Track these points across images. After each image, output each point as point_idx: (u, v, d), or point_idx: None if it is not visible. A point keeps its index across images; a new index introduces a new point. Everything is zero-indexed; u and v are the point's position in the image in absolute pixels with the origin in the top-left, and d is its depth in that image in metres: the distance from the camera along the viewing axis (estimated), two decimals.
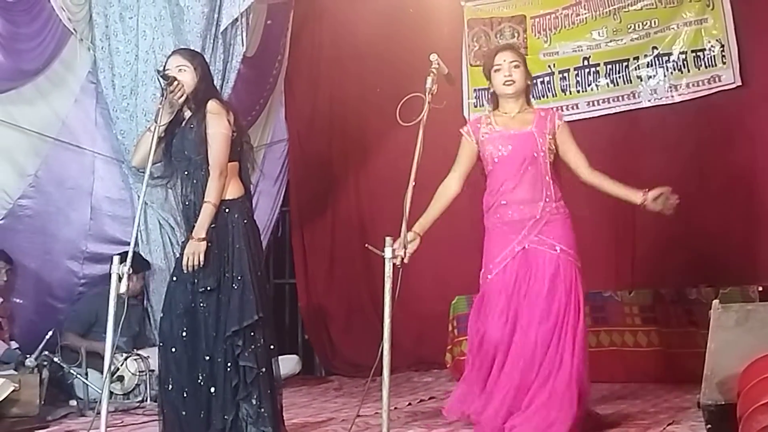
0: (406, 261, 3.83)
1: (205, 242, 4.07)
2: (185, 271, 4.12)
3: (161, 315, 4.37)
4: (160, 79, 4.24)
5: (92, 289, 6.53)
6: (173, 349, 4.19)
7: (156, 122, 4.13)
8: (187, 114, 4.30)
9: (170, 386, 4.19)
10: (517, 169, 4.41)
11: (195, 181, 4.20)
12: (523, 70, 4.52)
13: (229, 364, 4.13)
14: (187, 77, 4.26)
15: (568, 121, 4.64)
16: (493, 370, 4.31)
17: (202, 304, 4.16)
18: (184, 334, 4.17)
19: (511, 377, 4.25)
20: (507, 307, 4.32)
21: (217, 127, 4.17)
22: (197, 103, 4.26)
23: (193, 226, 4.14)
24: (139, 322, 6.60)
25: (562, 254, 4.33)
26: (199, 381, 4.15)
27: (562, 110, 6.42)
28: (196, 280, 4.15)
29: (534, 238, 4.35)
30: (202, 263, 4.07)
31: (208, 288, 4.13)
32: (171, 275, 4.39)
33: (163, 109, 4.15)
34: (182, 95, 4.22)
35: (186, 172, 4.26)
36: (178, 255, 4.32)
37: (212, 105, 4.21)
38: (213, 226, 4.13)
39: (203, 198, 4.13)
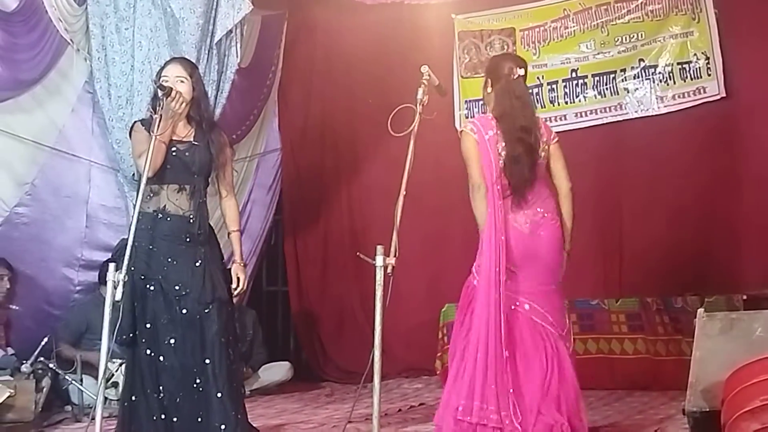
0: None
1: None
2: (233, 295, 4.30)
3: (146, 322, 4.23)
4: (158, 89, 4.16)
5: (83, 296, 6.53)
6: (161, 358, 4.16)
7: (153, 132, 4.07)
8: (184, 127, 4.31)
9: (135, 396, 4.20)
10: None
11: (200, 200, 4.26)
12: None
13: (224, 372, 4.17)
14: (184, 89, 4.24)
15: (557, 132, 4.65)
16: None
17: (198, 316, 4.15)
18: (172, 342, 4.17)
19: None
20: None
21: (230, 158, 4.42)
22: (198, 119, 4.31)
23: (187, 238, 4.19)
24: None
25: None
26: (197, 386, 4.14)
27: (550, 122, 6.49)
28: (188, 291, 4.15)
29: None
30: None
31: (208, 301, 4.16)
32: (149, 283, 4.21)
33: (162, 119, 4.11)
34: (183, 105, 4.20)
35: (181, 186, 4.24)
36: (166, 267, 4.18)
37: (224, 136, 4.40)
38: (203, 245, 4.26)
39: (205, 215, 4.27)
